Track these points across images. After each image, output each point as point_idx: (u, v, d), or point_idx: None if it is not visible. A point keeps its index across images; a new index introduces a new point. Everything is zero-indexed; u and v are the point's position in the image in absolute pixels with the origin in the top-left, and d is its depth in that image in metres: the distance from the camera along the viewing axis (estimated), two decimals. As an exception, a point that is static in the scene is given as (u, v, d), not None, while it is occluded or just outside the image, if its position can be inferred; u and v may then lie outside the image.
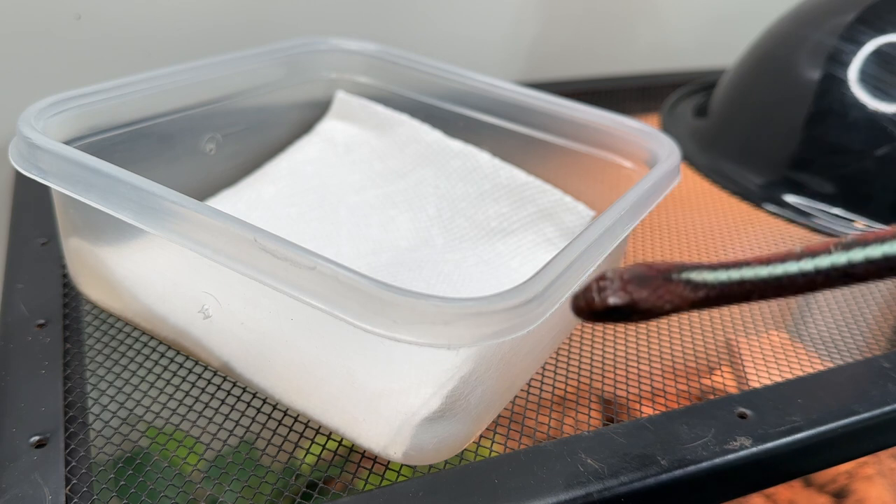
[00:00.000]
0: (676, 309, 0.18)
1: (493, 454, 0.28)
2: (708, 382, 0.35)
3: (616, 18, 0.71)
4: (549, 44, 0.68)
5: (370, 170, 0.44)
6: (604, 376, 0.33)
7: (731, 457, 0.28)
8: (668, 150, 0.36)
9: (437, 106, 0.44)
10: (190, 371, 0.32)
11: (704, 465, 0.27)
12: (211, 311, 0.30)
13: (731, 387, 0.35)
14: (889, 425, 0.31)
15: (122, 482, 0.26)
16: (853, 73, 0.48)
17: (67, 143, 0.32)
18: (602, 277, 0.18)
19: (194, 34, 0.54)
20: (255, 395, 0.31)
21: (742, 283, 0.18)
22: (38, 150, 0.29)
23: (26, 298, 0.34)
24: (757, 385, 0.33)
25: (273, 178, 0.43)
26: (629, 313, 0.18)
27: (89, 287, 0.35)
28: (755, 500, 0.47)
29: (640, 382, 0.33)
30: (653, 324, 0.38)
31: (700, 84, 0.66)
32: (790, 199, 0.49)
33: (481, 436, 0.29)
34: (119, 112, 0.36)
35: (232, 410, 0.30)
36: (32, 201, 0.42)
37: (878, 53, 0.48)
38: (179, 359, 0.32)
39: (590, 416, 0.31)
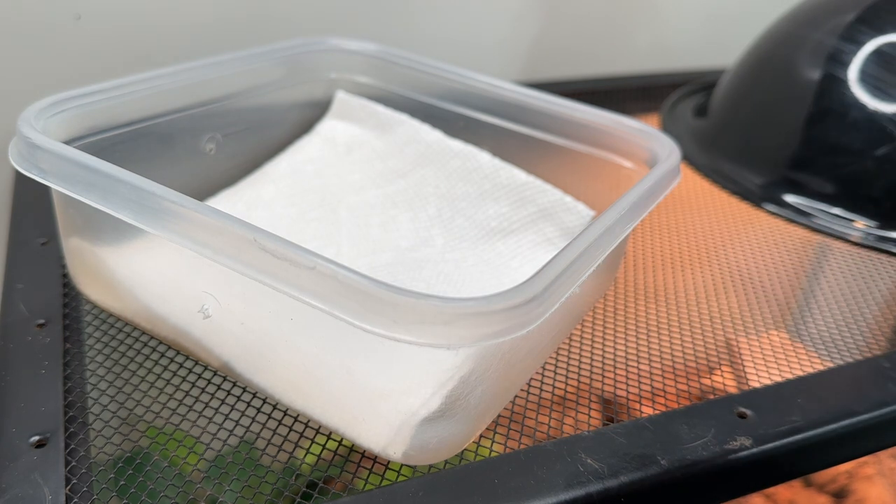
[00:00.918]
0: None
1: (493, 454, 0.28)
2: (708, 382, 0.35)
3: (616, 18, 0.71)
4: (549, 44, 0.68)
5: (370, 169, 0.45)
6: (604, 376, 0.33)
7: (731, 457, 0.28)
8: (668, 150, 0.36)
9: (437, 106, 0.44)
10: (190, 371, 0.32)
11: (704, 465, 0.27)
12: (211, 311, 0.30)
13: (731, 387, 0.35)
14: (889, 425, 0.31)
15: (122, 482, 0.26)
16: (853, 73, 0.48)
17: (67, 143, 0.31)
18: None
19: (194, 34, 0.54)
20: (255, 395, 0.31)
21: None
22: (37, 150, 0.29)
23: (26, 298, 0.34)
24: (757, 385, 0.33)
25: (273, 178, 0.43)
26: None
27: (89, 287, 0.35)
28: (755, 500, 0.47)
29: (640, 382, 0.33)
30: (653, 323, 0.38)
31: (700, 84, 0.66)
32: (790, 199, 0.49)
33: (481, 436, 0.29)
34: (119, 112, 0.36)
35: (232, 410, 0.30)
36: (32, 201, 0.42)
37: (878, 53, 0.48)
38: (179, 359, 0.32)
39: (590, 416, 0.31)
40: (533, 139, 0.42)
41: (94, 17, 0.51)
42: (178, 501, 0.26)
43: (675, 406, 0.32)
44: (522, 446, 0.28)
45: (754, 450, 0.28)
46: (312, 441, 0.29)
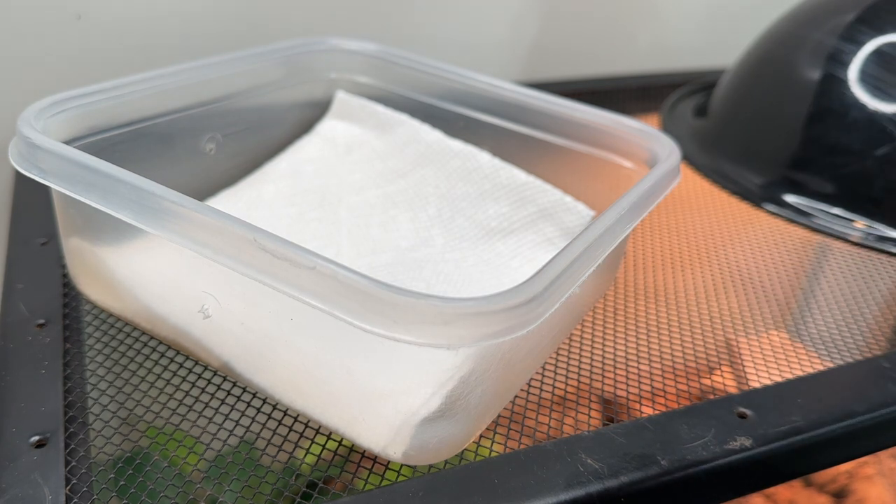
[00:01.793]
0: None
1: (493, 454, 0.28)
2: (708, 382, 0.35)
3: (616, 18, 0.71)
4: (549, 44, 0.68)
5: (370, 169, 0.45)
6: (604, 376, 0.33)
7: (731, 457, 0.28)
8: (668, 150, 0.36)
9: (437, 106, 0.44)
10: (190, 371, 0.32)
11: (704, 465, 0.27)
12: (211, 311, 0.30)
13: (731, 387, 0.35)
14: (889, 425, 0.31)
15: (122, 482, 0.26)
16: (853, 73, 0.48)
17: (67, 143, 0.31)
18: None
19: (194, 34, 0.54)
20: (255, 395, 0.31)
21: None
22: (37, 150, 0.29)
23: (26, 298, 0.34)
24: (757, 385, 0.33)
25: (273, 178, 0.43)
26: None
27: (89, 287, 0.35)
28: (755, 500, 0.47)
29: (640, 382, 0.33)
30: (653, 323, 0.38)
31: (700, 84, 0.66)
32: (790, 199, 0.49)
33: (481, 436, 0.29)
34: (119, 112, 0.36)
35: (232, 410, 0.30)
36: (32, 201, 0.42)
37: (878, 53, 0.48)
38: (179, 359, 0.32)
39: (590, 416, 0.31)
40: (533, 139, 0.42)
41: (94, 17, 0.51)
42: (178, 501, 0.26)
43: (675, 406, 0.32)
44: (522, 446, 0.28)
45: (754, 450, 0.28)
46: (312, 441, 0.29)
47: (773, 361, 0.35)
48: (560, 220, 0.40)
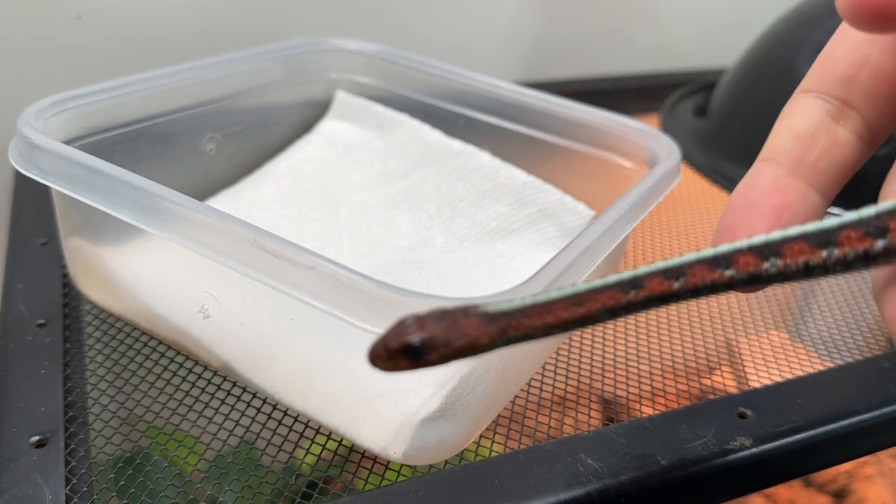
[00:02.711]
0: (474, 345, 0.17)
1: (493, 454, 0.28)
2: (708, 382, 0.35)
3: (616, 18, 0.71)
4: (549, 44, 0.68)
5: (370, 170, 0.45)
6: (604, 376, 0.33)
7: (731, 457, 0.28)
8: (668, 150, 0.36)
9: (437, 106, 0.44)
10: (190, 371, 0.32)
11: (704, 465, 0.27)
12: (211, 311, 0.30)
13: (731, 387, 0.35)
14: (889, 425, 0.31)
15: (122, 482, 0.26)
16: (853, 73, 0.48)
17: (67, 142, 0.31)
18: (400, 321, 0.17)
19: (194, 34, 0.54)
20: (254, 395, 0.31)
21: (539, 307, 0.17)
22: (37, 150, 0.29)
23: (26, 298, 0.34)
24: (757, 385, 0.33)
25: (273, 178, 0.43)
26: (425, 351, 0.17)
27: (89, 287, 0.35)
28: (755, 500, 0.47)
29: (640, 382, 0.33)
30: (653, 323, 0.38)
31: (700, 84, 0.66)
32: (790, 199, 0.49)
33: (481, 436, 0.29)
34: (119, 112, 0.36)
35: (232, 410, 0.30)
36: (32, 201, 0.42)
37: (878, 53, 0.47)
38: (179, 359, 0.32)
39: (590, 416, 0.31)
40: (533, 139, 0.42)
41: (94, 17, 0.51)
42: (178, 501, 0.26)
43: (675, 406, 0.32)
44: (522, 446, 0.28)
45: (754, 450, 0.28)
46: (312, 441, 0.29)
47: (773, 361, 0.35)
48: (560, 220, 0.40)
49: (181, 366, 0.32)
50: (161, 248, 0.31)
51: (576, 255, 0.26)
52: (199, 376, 0.32)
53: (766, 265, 0.16)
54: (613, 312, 0.17)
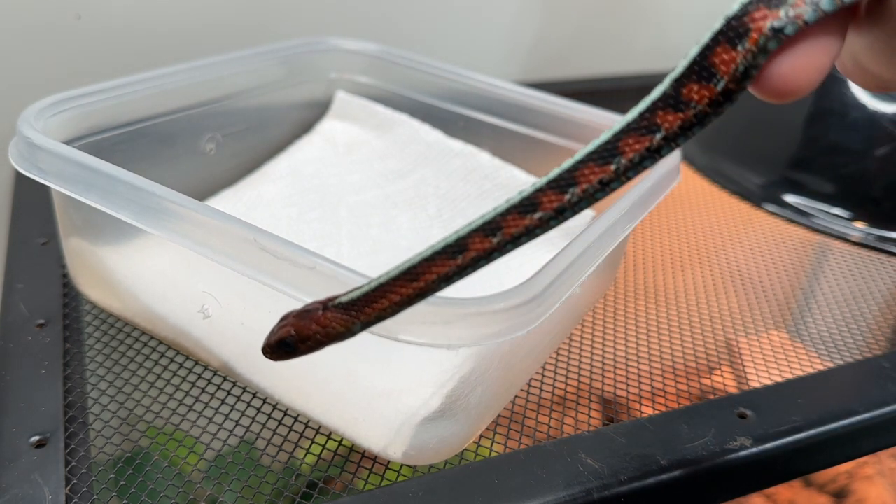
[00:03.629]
0: (332, 334, 0.19)
1: (493, 454, 0.28)
2: (708, 382, 0.35)
3: (616, 18, 0.71)
4: (549, 44, 0.68)
5: (370, 169, 0.45)
6: (604, 376, 0.33)
7: (731, 457, 0.28)
8: None
9: (437, 106, 0.44)
10: (190, 371, 0.32)
11: (704, 465, 0.27)
12: (211, 311, 0.30)
13: (731, 387, 0.35)
14: (889, 425, 0.31)
15: (122, 482, 0.26)
16: (853, 73, 0.48)
17: (67, 142, 0.32)
18: (282, 318, 0.20)
19: (194, 34, 0.54)
20: (254, 395, 0.31)
21: (382, 289, 0.19)
22: (37, 150, 0.29)
23: (26, 298, 0.34)
24: (757, 385, 0.33)
25: (273, 178, 0.43)
26: (295, 344, 0.19)
27: (89, 287, 0.35)
28: (755, 500, 0.47)
29: (640, 382, 0.33)
30: (653, 323, 0.38)
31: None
32: (790, 199, 0.49)
33: (481, 436, 0.29)
34: (119, 112, 0.36)
35: (232, 410, 0.30)
36: (32, 201, 0.42)
37: (878, 53, 0.47)
38: (179, 359, 0.32)
39: (590, 416, 0.31)
40: (533, 139, 0.42)
41: (94, 17, 0.51)
42: (178, 501, 0.26)
43: (675, 406, 0.32)
44: (522, 446, 0.28)
45: (754, 450, 0.28)
46: (312, 441, 0.29)
47: (773, 361, 0.35)
48: None
49: (181, 366, 0.32)
50: (161, 248, 0.31)
51: (576, 255, 0.26)
52: (199, 376, 0.32)
53: (567, 197, 0.17)
54: (447, 279, 0.19)
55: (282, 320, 0.20)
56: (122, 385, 0.31)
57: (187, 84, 0.39)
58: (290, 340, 0.19)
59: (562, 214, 0.17)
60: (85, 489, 0.26)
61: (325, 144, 0.46)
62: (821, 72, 0.14)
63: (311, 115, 0.47)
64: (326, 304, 0.19)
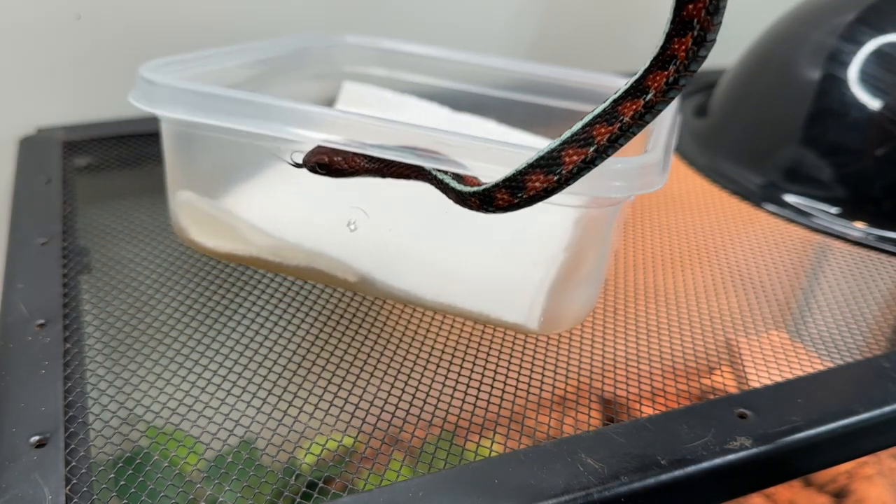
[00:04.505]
0: (355, 167, 0.26)
1: (493, 454, 0.28)
2: (708, 382, 0.35)
3: (616, 18, 0.71)
4: (550, 43, 0.68)
5: None
6: (604, 376, 0.33)
7: (731, 457, 0.28)
8: None
9: (441, 86, 0.48)
10: (190, 371, 0.32)
11: (704, 465, 0.27)
12: (357, 224, 0.32)
13: (731, 387, 0.35)
14: (889, 425, 0.31)
15: (122, 482, 0.26)
16: (853, 73, 0.48)
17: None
18: (317, 149, 0.27)
19: (194, 34, 0.54)
20: (254, 395, 0.31)
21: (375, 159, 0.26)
22: (185, 93, 0.31)
23: (26, 298, 0.34)
24: (757, 385, 0.33)
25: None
26: (327, 168, 0.27)
27: (204, 236, 0.36)
28: (755, 500, 0.47)
29: (640, 382, 0.33)
30: (653, 323, 0.38)
31: (700, 84, 0.66)
32: (790, 198, 0.49)
33: (481, 436, 0.29)
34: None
35: (232, 410, 0.30)
36: (32, 201, 0.42)
37: (878, 53, 0.48)
38: (179, 358, 0.32)
39: (590, 416, 0.31)
40: (533, 105, 0.47)
41: (94, 17, 0.51)
42: (178, 501, 0.26)
43: (675, 406, 0.32)
44: (522, 446, 0.28)
45: (754, 450, 0.28)
46: (312, 441, 0.29)
47: (773, 361, 0.35)
48: None
49: (181, 366, 0.32)
50: (300, 175, 0.32)
51: (669, 127, 0.33)
52: (200, 376, 0.32)
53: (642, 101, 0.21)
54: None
55: (316, 150, 0.27)
56: (122, 385, 0.31)
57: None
58: (324, 165, 0.27)
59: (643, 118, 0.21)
60: (85, 489, 0.26)
61: None
62: None
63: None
64: (355, 150, 0.27)
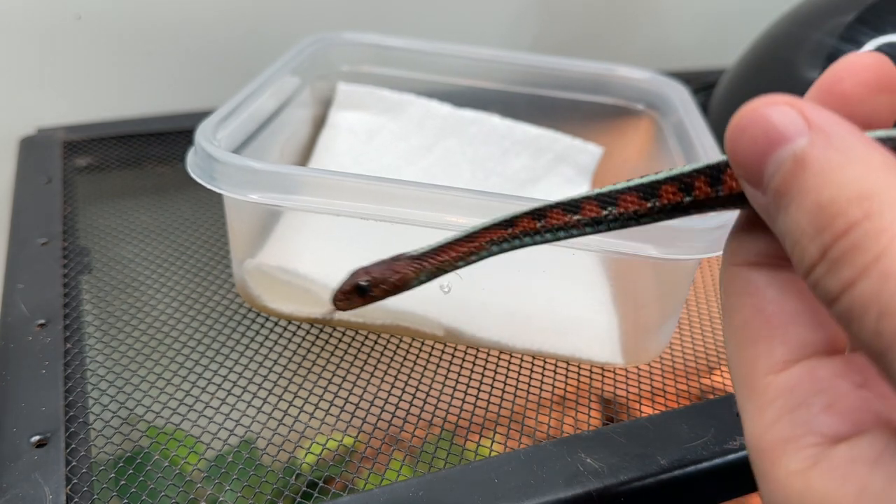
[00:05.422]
0: (405, 279, 0.23)
1: (493, 454, 0.28)
2: (708, 382, 0.35)
3: (616, 18, 0.71)
4: (549, 44, 0.68)
5: (397, 150, 0.46)
6: (604, 376, 0.34)
7: (731, 457, 0.28)
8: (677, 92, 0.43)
9: (441, 82, 0.47)
10: (190, 371, 0.32)
11: (704, 465, 0.27)
12: (451, 286, 0.32)
13: (731, 387, 0.35)
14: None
15: (123, 482, 0.26)
16: (853, 73, 0.48)
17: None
18: (352, 273, 0.24)
19: (194, 33, 0.54)
20: (254, 395, 0.31)
21: (445, 246, 0.22)
22: (253, 172, 0.30)
23: (26, 298, 0.34)
24: (757, 385, 0.33)
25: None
26: (370, 289, 0.23)
27: (279, 302, 0.35)
28: (755, 500, 0.47)
29: (640, 382, 0.33)
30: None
31: (700, 84, 0.66)
32: (790, 199, 0.49)
33: (481, 436, 0.29)
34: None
35: (232, 410, 0.30)
36: (32, 201, 0.42)
37: (877, 53, 0.47)
38: (179, 358, 0.32)
39: (590, 416, 0.31)
40: (534, 96, 0.47)
41: (94, 17, 0.51)
42: (179, 501, 0.26)
43: (675, 406, 0.32)
44: (522, 446, 0.28)
45: (754, 450, 0.28)
46: (312, 441, 0.29)
47: (772, 361, 0.35)
48: (575, 161, 0.46)
49: (181, 366, 0.32)
50: (388, 239, 0.33)
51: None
52: (200, 376, 0.32)
53: (604, 212, 0.19)
54: (499, 244, 0.22)
55: (352, 274, 0.23)
56: (123, 385, 0.31)
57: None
58: (366, 285, 0.23)
59: (596, 224, 0.20)
60: (85, 489, 0.26)
61: (348, 135, 0.47)
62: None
63: (319, 111, 0.48)
64: (398, 258, 0.23)
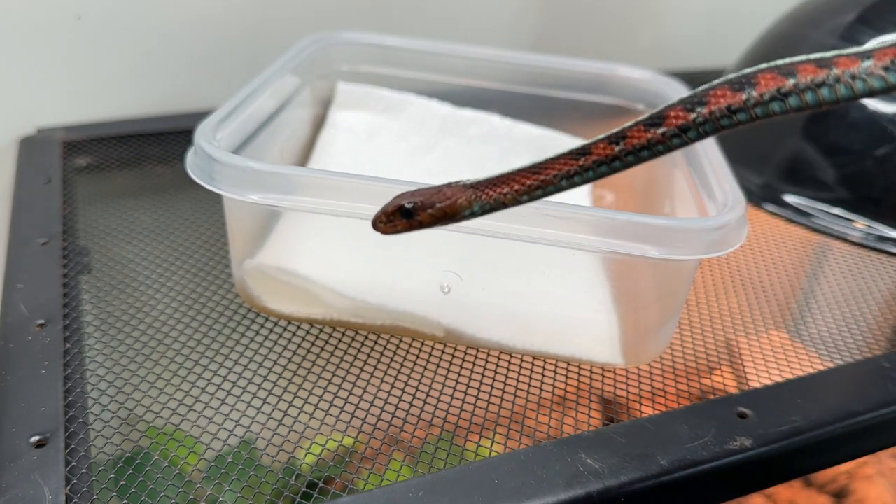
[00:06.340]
0: (455, 206, 0.21)
1: (493, 454, 0.28)
2: (708, 382, 0.35)
3: (616, 18, 0.71)
4: (549, 43, 0.68)
5: (397, 150, 0.46)
6: (604, 376, 0.33)
7: (731, 457, 0.28)
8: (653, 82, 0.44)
9: (440, 81, 0.47)
10: (190, 371, 0.32)
11: (704, 465, 0.27)
12: (451, 287, 0.32)
13: (731, 387, 0.35)
14: (889, 425, 0.31)
15: (123, 482, 0.26)
16: (853, 73, 0.48)
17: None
18: (397, 196, 0.22)
19: (195, 33, 0.54)
20: (254, 395, 0.31)
21: (506, 176, 0.21)
22: (254, 173, 0.30)
23: (26, 298, 0.34)
24: (757, 385, 0.33)
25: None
26: (416, 212, 0.21)
27: (279, 303, 0.35)
28: (755, 500, 0.47)
29: (640, 382, 0.33)
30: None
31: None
32: (790, 199, 0.49)
33: (481, 436, 0.29)
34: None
35: (232, 410, 0.30)
36: (32, 201, 0.42)
37: (878, 53, 0.47)
38: (179, 359, 0.32)
39: (590, 416, 0.31)
40: (535, 96, 0.47)
41: (94, 17, 0.51)
42: (178, 501, 0.26)
43: (675, 406, 0.32)
44: (522, 446, 0.28)
45: (754, 450, 0.28)
46: (312, 441, 0.29)
47: (773, 361, 0.35)
48: None
49: (181, 366, 0.32)
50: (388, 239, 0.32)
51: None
52: (199, 376, 0.32)
53: (692, 116, 0.18)
54: (569, 177, 0.20)
55: (397, 196, 0.21)
56: (122, 385, 0.31)
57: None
58: (411, 207, 0.21)
59: (684, 132, 0.19)
60: (85, 489, 0.26)
61: (348, 135, 0.47)
62: None
63: (319, 111, 0.48)
64: (450, 184, 0.21)
